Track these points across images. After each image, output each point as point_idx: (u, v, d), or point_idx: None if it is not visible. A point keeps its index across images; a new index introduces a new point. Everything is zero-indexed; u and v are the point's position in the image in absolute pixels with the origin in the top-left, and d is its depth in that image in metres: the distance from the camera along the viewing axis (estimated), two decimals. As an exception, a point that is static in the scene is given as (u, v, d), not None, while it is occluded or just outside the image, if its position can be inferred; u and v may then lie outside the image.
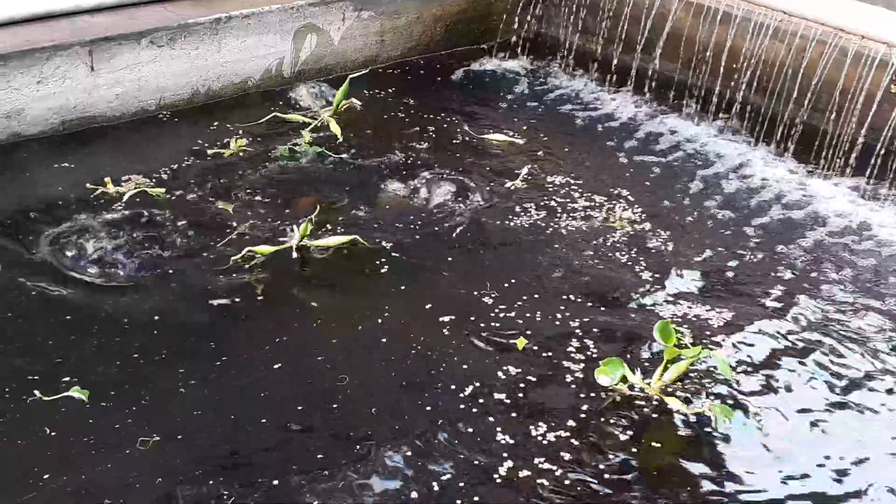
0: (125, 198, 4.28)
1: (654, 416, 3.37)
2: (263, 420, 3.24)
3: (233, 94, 5.26)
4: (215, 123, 5.00)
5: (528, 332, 3.71)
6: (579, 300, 3.93)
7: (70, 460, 3.05)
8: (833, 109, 4.85)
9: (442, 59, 5.95)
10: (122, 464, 3.04)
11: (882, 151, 4.70)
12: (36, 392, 3.25)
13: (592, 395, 3.44)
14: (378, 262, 4.08)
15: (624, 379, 3.44)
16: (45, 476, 2.98)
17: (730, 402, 3.43)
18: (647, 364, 3.58)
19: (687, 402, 3.41)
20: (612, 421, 3.33)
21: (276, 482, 3.00)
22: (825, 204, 4.69)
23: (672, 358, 3.46)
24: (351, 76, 5.27)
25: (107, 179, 4.37)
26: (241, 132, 4.92)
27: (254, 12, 5.19)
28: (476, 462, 3.13)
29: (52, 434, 3.13)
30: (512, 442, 3.22)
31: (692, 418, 3.35)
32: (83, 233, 4.05)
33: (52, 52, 4.62)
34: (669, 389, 3.46)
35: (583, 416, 3.34)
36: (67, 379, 3.32)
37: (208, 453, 3.11)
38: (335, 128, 5.02)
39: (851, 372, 3.65)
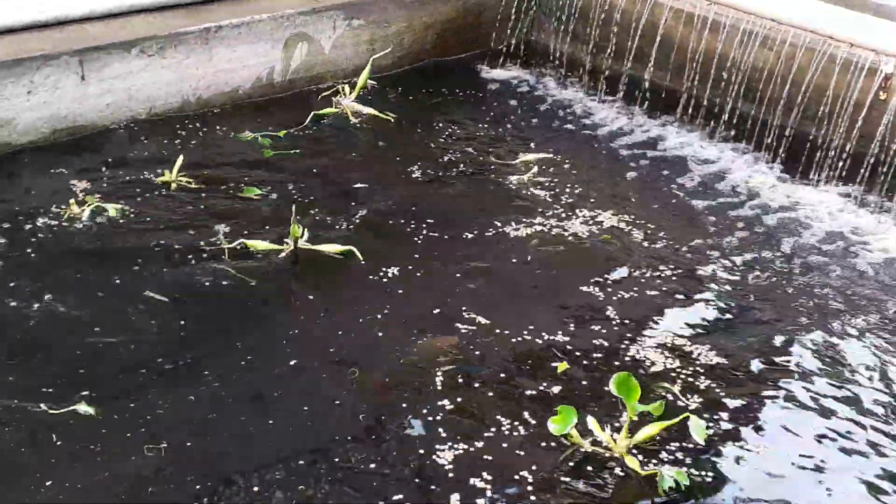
0: (86, 214, 4.24)
1: (605, 474, 3.17)
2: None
3: (223, 102, 5.25)
4: (204, 130, 5.03)
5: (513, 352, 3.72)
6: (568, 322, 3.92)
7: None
8: (822, 117, 4.87)
9: (433, 67, 5.96)
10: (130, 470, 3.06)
11: (871, 159, 4.72)
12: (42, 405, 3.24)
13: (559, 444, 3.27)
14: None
15: (585, 432, 3.24)
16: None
17: (700, 471, 3.20)
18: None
19: (646, 464, 3.19)
20: (561, 476, 3.15)
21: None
22: (814, 211, 4.70)
23: (636, 413, 3.21)
24: (373, 57, 5.48)
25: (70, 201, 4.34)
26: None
27: (244, 21, 5.19)
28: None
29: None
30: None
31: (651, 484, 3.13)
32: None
33: (42, 62, 4.62)
34: (635, 451, 3.23)
35: (534, 468, 3.17)
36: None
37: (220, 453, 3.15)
38: (367, 108, 5.28)
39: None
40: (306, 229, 4.14)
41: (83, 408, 3.22)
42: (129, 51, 4.86)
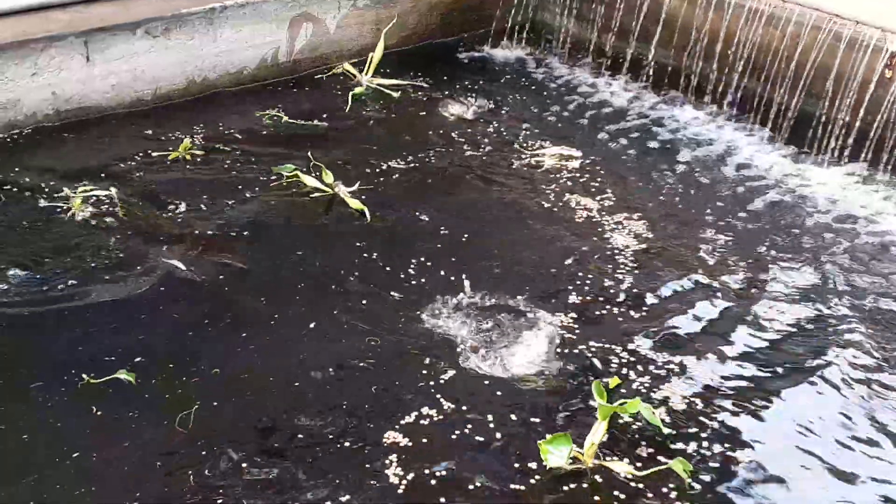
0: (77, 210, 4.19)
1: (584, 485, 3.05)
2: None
3: (228, 83, 5.27)
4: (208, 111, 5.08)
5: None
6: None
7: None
8: (828, 95, 4.85)
9: (438, 47, 5.96)
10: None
11: (876, 136, 4.70)
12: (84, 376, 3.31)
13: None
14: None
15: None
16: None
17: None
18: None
19: (633, 462, 3.10)
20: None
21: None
22: (819, 189, 4.69)
23: (605, 415, 3.09)
24: (385, 30, 5.55)
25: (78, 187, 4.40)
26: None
27: (249, 1, 5.19)
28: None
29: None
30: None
31: (631, 483, 3.05)
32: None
33: (47, 43, 4.63)
34: (602, 453, 3.13)
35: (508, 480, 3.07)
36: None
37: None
38: (393, 81, 5.41)
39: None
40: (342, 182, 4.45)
41: (123, 376, 3.30)
42: (134, 32, 4.87)
